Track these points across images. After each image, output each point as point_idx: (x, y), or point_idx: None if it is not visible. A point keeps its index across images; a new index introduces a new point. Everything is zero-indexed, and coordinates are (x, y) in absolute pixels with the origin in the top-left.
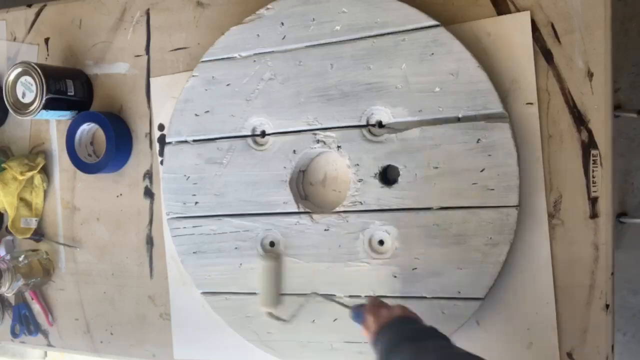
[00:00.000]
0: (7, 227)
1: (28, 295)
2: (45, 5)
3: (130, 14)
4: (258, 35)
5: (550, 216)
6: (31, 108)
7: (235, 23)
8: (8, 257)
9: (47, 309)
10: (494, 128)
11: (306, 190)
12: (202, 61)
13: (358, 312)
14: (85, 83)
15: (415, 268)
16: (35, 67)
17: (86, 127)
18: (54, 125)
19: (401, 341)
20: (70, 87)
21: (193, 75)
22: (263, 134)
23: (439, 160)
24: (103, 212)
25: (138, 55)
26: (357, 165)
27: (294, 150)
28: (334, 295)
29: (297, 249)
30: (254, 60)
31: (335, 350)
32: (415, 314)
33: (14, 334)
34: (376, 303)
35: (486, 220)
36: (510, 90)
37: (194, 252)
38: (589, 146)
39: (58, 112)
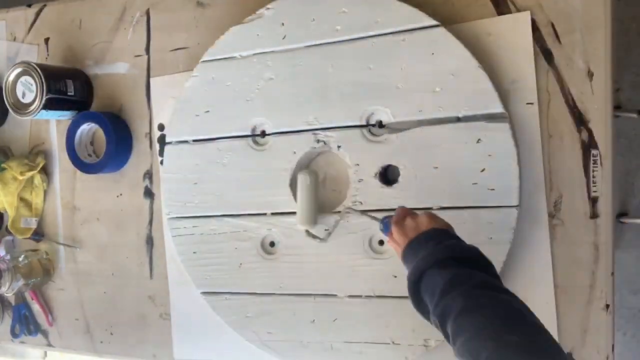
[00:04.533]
0: (7, 227)
1: (28, 295)
2: (45, 5)
3: (130, 14)
4: (258, 35)
5: (551, 216)
6: (31, 108)
7: (235, 23)
8: (8, 257)
9: (47, 309)
10: (494, 128)
11: None
12: (202, 61)
13: (386, 223)
14: (85, 83)
15: None
16: (35, 67)
17: (86, 127)
18: (54, 125)
19: (428, 268)
20: (70, 87)
21: (193, 75)
22: (263, 134)
23: (439, 160)
24: (103, 212)
25: (138, 55)
26: (357, 165)
27: (294, 151)
28: (336, 295)
29: (297, 249)
30: (254, 60)
31: (335, 350)
32: (445, 225)
33: (14, 334)
34: (402, 213)
35: (486, 220)
36: (511, 90)
37: (194, 252)
38: (589, 146)
39: (58, 112)
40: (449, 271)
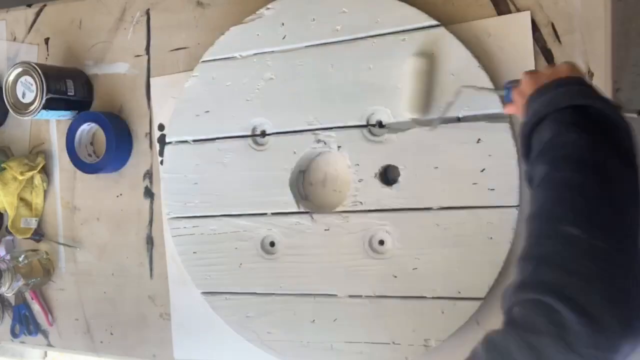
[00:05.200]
0: (7, 227)
1: (28, 295)
2: (45, 5)
3: (130, 14)
4: (258, 35)
5: None
6: (31, 108)
7: (235, 23)
8: (8, 257)
9: (47, 309)
10: (494, 128)
11: (306, 191)
12: (202, 61)
13: (509, 87)
14: (85, 83)
15: (416, 268)
16: (35, 67)
17: (86, 127)
18: (54, 125)
19: (543, 117)
20: (70, 87)
21: (193, 75)
22: (263, 134)
23: (439, 160)
24: (103, 212)
25: (138, 55)
26: (358, 165)
27: (294, 151)
28: (336, 295)
29: (297, 249)
30: (254, 60)
31: (336, 351)
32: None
33: (14, 334)
34: (532, 72)
35: (486, 220)
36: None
37: (194, 252)
38: None
39: (58, 112)
40: (554, 129)
